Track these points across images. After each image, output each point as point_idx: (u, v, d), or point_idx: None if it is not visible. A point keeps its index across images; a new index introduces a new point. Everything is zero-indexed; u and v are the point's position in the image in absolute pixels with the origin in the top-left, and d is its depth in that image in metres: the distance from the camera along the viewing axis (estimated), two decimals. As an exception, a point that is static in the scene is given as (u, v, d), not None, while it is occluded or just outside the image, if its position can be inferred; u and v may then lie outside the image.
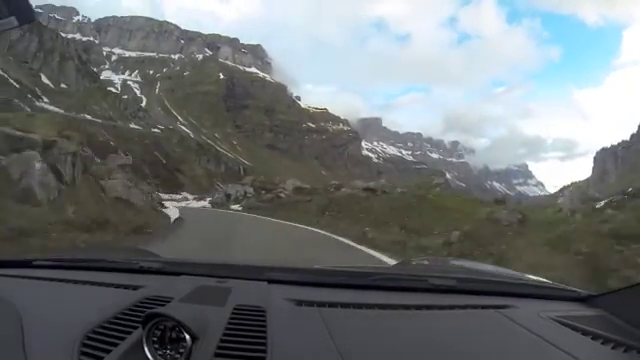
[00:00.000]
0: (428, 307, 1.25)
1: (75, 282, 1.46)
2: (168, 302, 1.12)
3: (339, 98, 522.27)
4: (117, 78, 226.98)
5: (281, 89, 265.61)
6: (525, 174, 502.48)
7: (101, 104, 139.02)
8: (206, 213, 29.88)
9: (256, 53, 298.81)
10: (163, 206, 27.80)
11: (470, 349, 1.01)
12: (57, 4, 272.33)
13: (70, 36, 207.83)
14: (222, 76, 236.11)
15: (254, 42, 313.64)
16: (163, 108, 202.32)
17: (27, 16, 1.09)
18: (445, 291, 1.40)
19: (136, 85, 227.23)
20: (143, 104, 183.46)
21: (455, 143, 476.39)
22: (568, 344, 1.01)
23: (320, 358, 0.92)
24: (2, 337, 0.98)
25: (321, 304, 1.21)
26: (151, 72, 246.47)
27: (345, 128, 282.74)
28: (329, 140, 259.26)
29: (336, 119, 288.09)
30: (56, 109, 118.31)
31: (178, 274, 1.51)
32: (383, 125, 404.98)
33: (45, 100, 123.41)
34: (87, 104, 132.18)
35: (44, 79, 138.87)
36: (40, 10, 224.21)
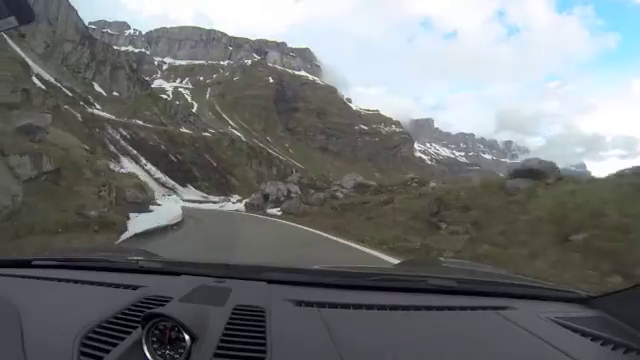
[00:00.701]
0: (428, 308, 1.24)
1: (75, 282, 1.44)
2: (168, 302, 1.12)
3: (390, 99, 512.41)
4: (168, 86, 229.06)
5: (331, 91, 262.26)
6: (583, 174, 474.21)
7: (152, 109, 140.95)
8: (207, 225, 18.93)
9: (304, 56, 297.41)
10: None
11: (470, 350, 1.01)
12: (109, 20, 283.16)
13: (123, 49, 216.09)
14: (271, 80, 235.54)
15: (302, 45, 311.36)
16: (214, 113, 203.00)
17: (27, 16, 1.08)
18: (445, 292, 1.39)
19: (187, 92, 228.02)
20: (194, 109, 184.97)
21: (508, 143, 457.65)
22: (568, 345, 1.01)
23: (320, 358, 0.91)
24: (2, 337, 0.97)
25: (321, 304, 1.20)
26: (201, 79, 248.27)
27: (397, 130, 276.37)
28: (382, 142, 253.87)
29: (388, 120, 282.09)
30: (107, 115, 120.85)
31: (178, 274, 1.50)
32: (435, 126, 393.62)
33: (97, 107, 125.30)
34: (138, 110, 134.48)
35: (97, 87, 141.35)
36: (94, 26, 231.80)
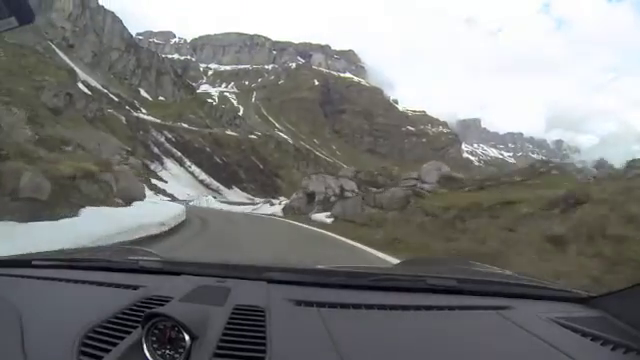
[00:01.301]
0: (428, 308, 1.24)
1: (75, 282, 1.44)
2: (167, 302, 1.11)
3: (436, 99, 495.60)
4: (214, 91, 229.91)
5: (377, 93, 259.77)
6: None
7: (197, 113, 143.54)
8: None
9: (349, 58, 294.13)
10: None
11: (469, 350, 1.01)
12: (155, 30, 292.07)
13: (169, 56, 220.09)
14: (317, 82, 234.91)
15: (346, 48, 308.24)
16: (260, 116, 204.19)
17: (27, 16, 1.07)
18: (445, 292, 1.38)
19: (233, 96, 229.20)
20: (240, 113, 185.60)
21: (559, 142, 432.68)
22: (568, 345, 1.00)
23: (319, 358, 0.91)
24: (2, 337, 0.97)
25: (320, 304, 1.19)
26: (246, 83, 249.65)
27: (444, 130, 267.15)
28: (429, 143, 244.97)
29: (435, 121, 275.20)
30: (152, 118, 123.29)
31: (178, 274, 1.49)
32: (482, 126, 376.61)
33: (143, 111, 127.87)
34: (183, 113, 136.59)
35: (143, 93, 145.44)
36: (141, 37, 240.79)
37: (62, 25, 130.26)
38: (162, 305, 1.03)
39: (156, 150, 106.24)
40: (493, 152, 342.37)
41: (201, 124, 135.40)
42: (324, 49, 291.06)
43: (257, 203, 42.85)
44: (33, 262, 1.67)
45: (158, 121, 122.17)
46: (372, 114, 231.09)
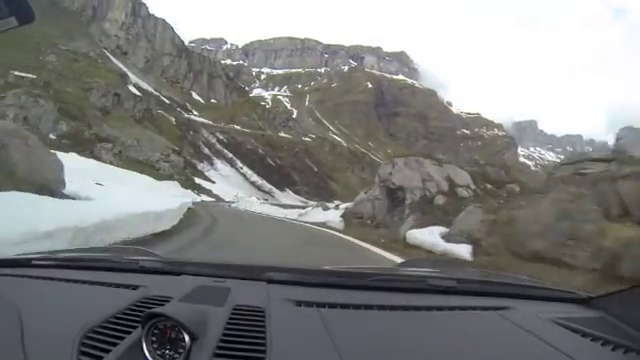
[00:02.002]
0: (427, 308, 1.23)
1: (75, 282, 1.43)
2: (167, 302, 1.11)
3: (490, 101, 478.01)
4: (267, 94, 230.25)
5: (431, 95, 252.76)
6: None
7: (250, 115, 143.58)
8: None
9: (401, 60, 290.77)
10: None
11: (469, 350, 1.01)
12: (207, 37, 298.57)
13: (222, 62, 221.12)
14: (370, 85, 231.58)
15: (397, 49, 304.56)
16: (314, 119, 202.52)
17: (27, 16, 1.07)
18: (445, 292, 1.37)
19: (286, 99, 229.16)
20: (294, 116, 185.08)
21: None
22: (567, 346, 1.00)
23: (319, 358, 0.90)
24: (2, 337, 0.97)
25: (320, 304, 1.18)
26: (299, 86, 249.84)
27: (500, 133, 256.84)
28: (484, 147, 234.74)
29: (490, 124, 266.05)
30: (204, 120, 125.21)
31: (178, 274, 1.49)
32: (539, 128, 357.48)
33: (195, 113, 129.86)
34: (235, 116, 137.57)
35: (195, 96, 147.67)
36: (193, 44, 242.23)
37: (115, 34, 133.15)
38: (162, 305, 1.03)
39: (206, 151, 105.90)
40: (550, 156, 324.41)
41: (254, 126, 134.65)
42: (376, 51, 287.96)
43: (314, 207, 31.85)
44: (33, 262, 1.66)
45: (210, 123, 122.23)
46: (426, 117, 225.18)
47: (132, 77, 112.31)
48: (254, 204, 41.92)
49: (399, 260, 7.62)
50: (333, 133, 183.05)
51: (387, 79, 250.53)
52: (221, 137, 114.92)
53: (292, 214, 28.71)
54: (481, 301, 1.31)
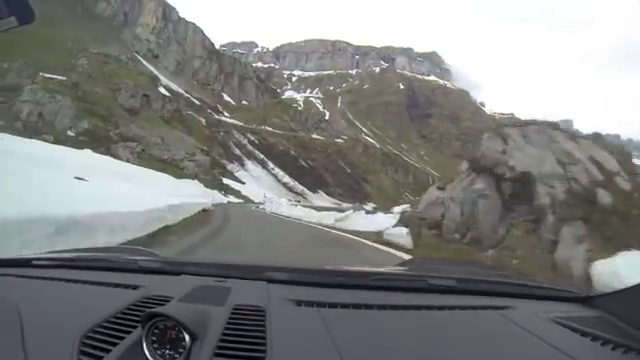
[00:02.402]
0: (428, 307, 1.23)
1: (75, 282, 1.43)
2: (167, 302, 1.11)
3: (524, 101, 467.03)
4: (299, 96, 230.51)
5: (464, 95, 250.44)
6: None
7: (282, 117, 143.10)
8: None
9: (432, 60, 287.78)
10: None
11: (470, 350, 1.00)
12: (238, 41, 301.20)
13: (253, 65, 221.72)
14: (402, 86, 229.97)
15: (428, 50, 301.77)
16: (346, 120, 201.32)
17: (27, 16, 1.07)
18: (445, 291, 1.37)
19: (318, 101, 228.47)
20: (326, 117, 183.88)
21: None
22: (567, 345, 1.01)
23: (319, 358, 0.90)
24: (2, 337, 0.98)
25: (320, 304, 1.18)
26: (331, 88, 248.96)
27: None
28: None
29: (524, 124, 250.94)
30: (235, 121, 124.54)
31: (178, 274, 1.48)
32: (574, 127, 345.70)
33: (225, 114, 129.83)
34: (267, 117, 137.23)
35: (226, 97, 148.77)
36: (224, 48, 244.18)
37: (147, 38, 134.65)
38: (162, 305, 1.03)
39: (237, 151, 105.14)
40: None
41: (286, 127, 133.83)
42: (407, 52, 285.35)
43: (345, 210, 26.33)
44: (33, 262, 1.65)
45: (240, 124, 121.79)
46: (459, 118, 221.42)
47: (163, 79, 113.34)
48: (283, 206, 35.68)
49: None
50: (366, 135, 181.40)
51: (419, 80, 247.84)
52: (252, 138, 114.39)
53: (327, 218, 21.53)
54: (481, 300, 1.31)
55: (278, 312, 1.10)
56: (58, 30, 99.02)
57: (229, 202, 49.36)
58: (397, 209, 20.67)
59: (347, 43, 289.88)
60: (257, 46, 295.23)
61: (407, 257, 9.37)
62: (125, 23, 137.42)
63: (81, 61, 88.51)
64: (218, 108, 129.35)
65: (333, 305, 1.18)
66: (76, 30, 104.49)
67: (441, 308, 1.23)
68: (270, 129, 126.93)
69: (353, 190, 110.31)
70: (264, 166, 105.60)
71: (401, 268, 1.97)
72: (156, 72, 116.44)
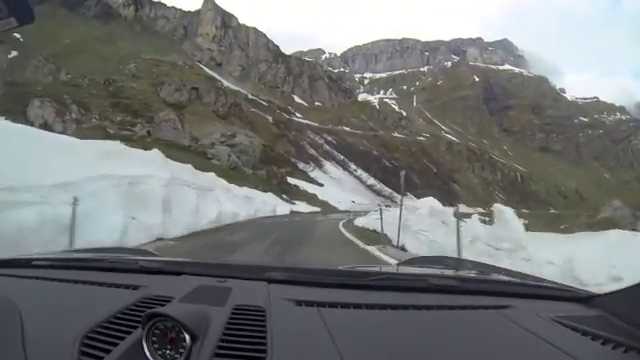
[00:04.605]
0: (428, 307, 1.22)
1: (75, 282, 1.42)
2: (168, 302, 1.11)
3: (607, 82, 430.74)
4: (373, 98, 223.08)
5: (542, 82, 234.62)
6: None
7: (359, 116, 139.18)
8: None
9: (504, 47, 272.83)
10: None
11: (470, 349, 1.00)
12: (304, 49, 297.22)
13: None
14: (476, 79, 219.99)
15: (499, 37, 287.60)
16: (424, 119, 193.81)
17: (27, 16, 1.06)
18: (445, 291, 1.35)
19: (393, 101, 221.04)
20: (404, 115, 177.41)
21: None
22: (568, 344, 1.00)
23: (320, 358, 0.89)
24: (2, 337, 0.97)
25: (321, 304, 1.17)
26: (404, 87, 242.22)
27: (623, 117, 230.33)
28: (607, 135, 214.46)
29: (610, 108, 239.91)
30: (309, 122, 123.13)
31: (178, 274, 1.48)
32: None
33: (298, 115, 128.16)
34: (343, 117, 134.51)
35: (297, 99, 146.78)
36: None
37: (208, 47, 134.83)
38: (162, 305, 1.03)
39: (312, 152, 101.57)
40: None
41: (364, 127, 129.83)
42: (477, 42, 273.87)
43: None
44: (33, 262, 1.65)
45: (315, 124, 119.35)
46: (540, 106, 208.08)
47: (230, 87, 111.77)
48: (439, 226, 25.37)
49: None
50: (446, 132, 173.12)
51: (493, 70, 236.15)
52: (329, 138, 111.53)
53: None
54: (482, 300, 1.30)
55: (278, 312, 1.10)
56: (114, 46, 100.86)
57: (292, 212, 39.57)
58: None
59: (415, 40, 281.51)
60: (325, 52, 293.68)
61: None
62: (185, 35, 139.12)
63: (130, 66, 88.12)
64: (289, 109, 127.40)
65: (333, 305, 1.17)
66: (133, 45, 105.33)
67: (441, 308, 1.22)
68: (348, 129, 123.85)
69: (442, 191, 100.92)
70: (345, 167, 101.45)
71: (401, 268, 1.97)
72: (221, 79, 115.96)
